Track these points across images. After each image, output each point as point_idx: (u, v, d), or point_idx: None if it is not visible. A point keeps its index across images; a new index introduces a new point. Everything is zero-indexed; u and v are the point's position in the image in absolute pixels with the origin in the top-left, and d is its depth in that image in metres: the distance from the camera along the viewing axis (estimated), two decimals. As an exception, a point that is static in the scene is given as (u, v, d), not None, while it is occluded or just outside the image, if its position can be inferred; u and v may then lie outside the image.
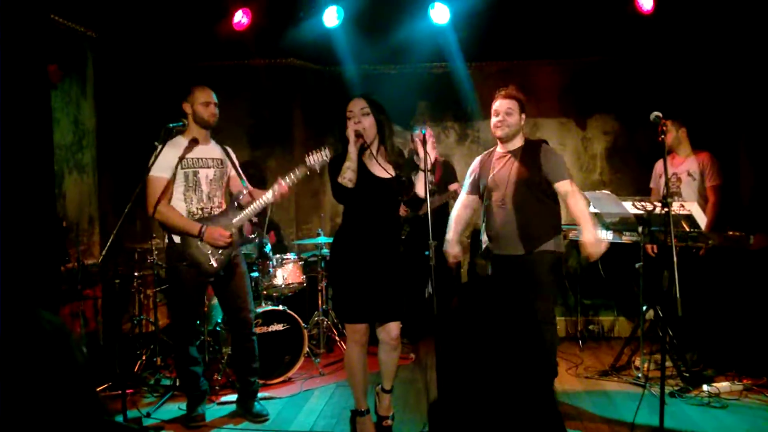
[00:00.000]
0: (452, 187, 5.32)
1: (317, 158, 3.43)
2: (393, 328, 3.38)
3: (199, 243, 3.70)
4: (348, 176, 3.22)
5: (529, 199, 3.65)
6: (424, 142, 3.32)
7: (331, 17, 5.37)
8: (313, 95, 6.50)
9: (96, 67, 5.36)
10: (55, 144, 4.70)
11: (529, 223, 3.65)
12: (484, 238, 3.87)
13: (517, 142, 3.77)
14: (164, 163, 3.68)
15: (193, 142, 3.76)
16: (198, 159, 3.79)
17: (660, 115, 3.31)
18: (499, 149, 3.83)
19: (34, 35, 4.25)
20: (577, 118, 6.40)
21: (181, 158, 3.70)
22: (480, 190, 3.89)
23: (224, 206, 3.88)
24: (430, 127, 4.07)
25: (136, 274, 4.98)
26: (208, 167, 3.82)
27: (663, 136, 3.23)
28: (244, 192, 3.87)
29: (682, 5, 5.07)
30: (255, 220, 4.15)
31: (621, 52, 5.96)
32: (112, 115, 5.53)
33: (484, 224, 3.86)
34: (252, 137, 6.33)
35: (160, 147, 3.64)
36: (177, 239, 3.74)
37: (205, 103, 3.79)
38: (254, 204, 3.76)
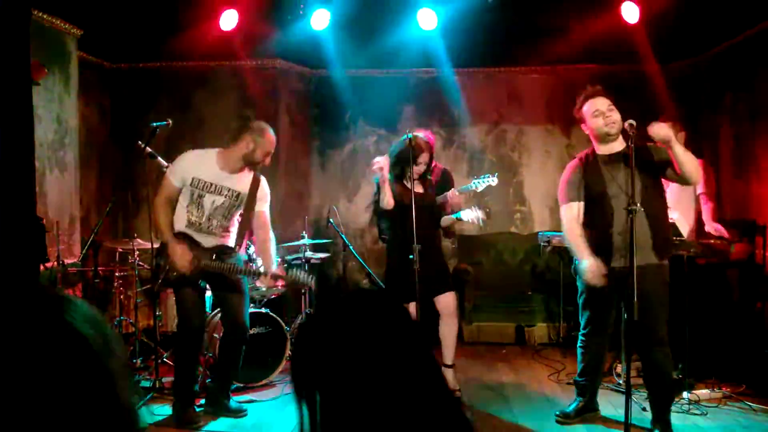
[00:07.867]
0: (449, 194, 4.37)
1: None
2: None
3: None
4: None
5: None
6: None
7: (319, 20, 5.36)
8: (299, 98, 6.48)
9: (80, 64, 5.30)
10: (36, 141, 4.63)
11: None
12: None
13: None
14: (181, 170, 3.68)
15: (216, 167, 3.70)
16: (210, 184, 3.67)
17: (633, 123, 3.24)
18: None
19: (16, 31, 4.19)
20: (562, 125, 6.44)
21: (195, 179, 3.66)
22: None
23: (229, 235, 3.81)
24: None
25: (117, 274, 4.92)
26: (219, 194, 3.69)
27: (632, 145, 3.16)
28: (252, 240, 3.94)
29: (667, 16, 5.12)
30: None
31: (607, 60, 6.01)
32: (96, 114, 5.46)
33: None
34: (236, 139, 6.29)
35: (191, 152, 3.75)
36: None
37: (266, 153, 3.74)
38: (246, 267, 3.82)
